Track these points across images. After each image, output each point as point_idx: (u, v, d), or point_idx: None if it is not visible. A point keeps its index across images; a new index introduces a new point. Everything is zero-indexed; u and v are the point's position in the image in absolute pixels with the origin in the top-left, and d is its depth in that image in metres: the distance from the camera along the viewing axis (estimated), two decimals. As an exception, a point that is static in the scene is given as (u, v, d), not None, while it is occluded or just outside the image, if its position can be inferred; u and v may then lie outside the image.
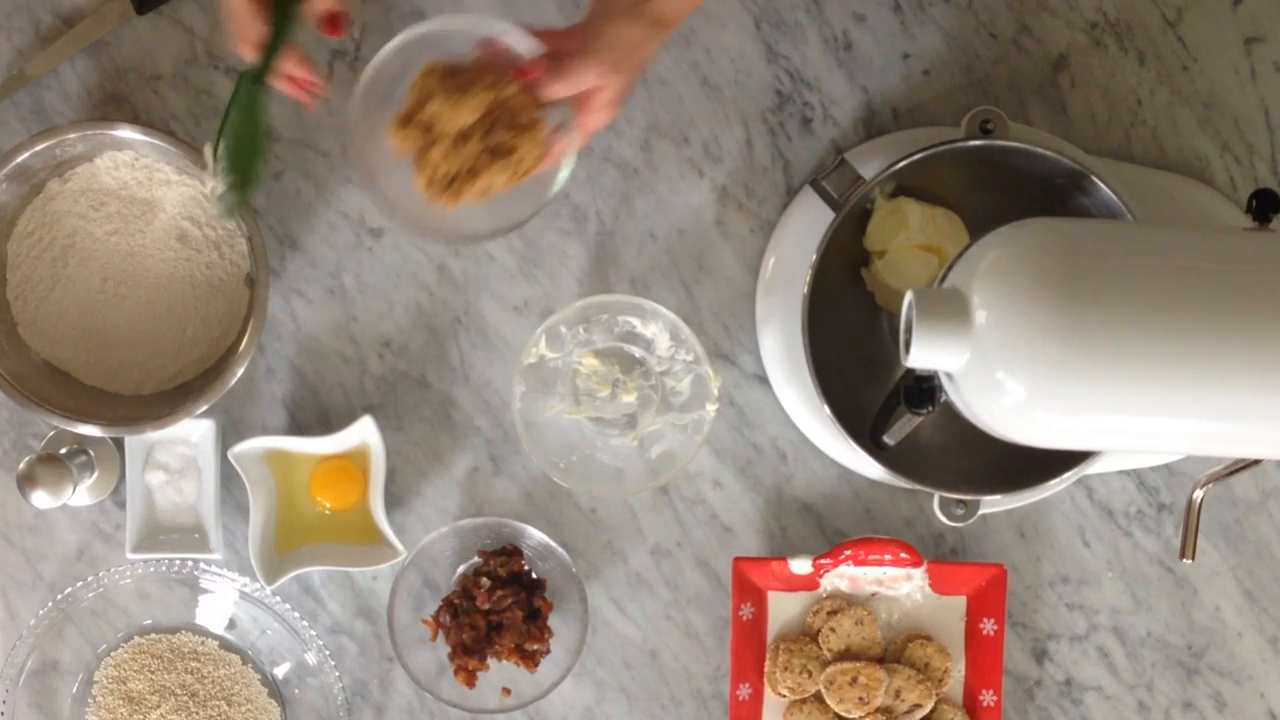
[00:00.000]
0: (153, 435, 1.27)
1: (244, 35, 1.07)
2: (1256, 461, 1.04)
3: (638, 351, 1.30)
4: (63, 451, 1.26)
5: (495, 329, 1.31)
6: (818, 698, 1.29)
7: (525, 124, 1.11)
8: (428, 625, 1.29)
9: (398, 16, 1.29)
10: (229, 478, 1.28)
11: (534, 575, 1.30)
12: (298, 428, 1.31)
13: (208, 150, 1.12)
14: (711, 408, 1.26)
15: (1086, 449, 1.18)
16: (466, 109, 1.10)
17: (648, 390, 1.29)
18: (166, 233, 1.27)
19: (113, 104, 1.29)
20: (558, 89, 1.08)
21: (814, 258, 1.20)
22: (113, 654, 1.31)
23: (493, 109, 1.10)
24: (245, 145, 1.13)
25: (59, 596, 1.28)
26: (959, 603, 1.30)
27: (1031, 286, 0.92)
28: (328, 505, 1.30)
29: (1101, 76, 1.30)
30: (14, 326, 1.27)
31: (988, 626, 1.29)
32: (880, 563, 1.27)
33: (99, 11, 1.28)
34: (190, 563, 1.28)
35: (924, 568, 1.28)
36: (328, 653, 1.29)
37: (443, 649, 1.29)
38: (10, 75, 1.29)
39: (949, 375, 0.98)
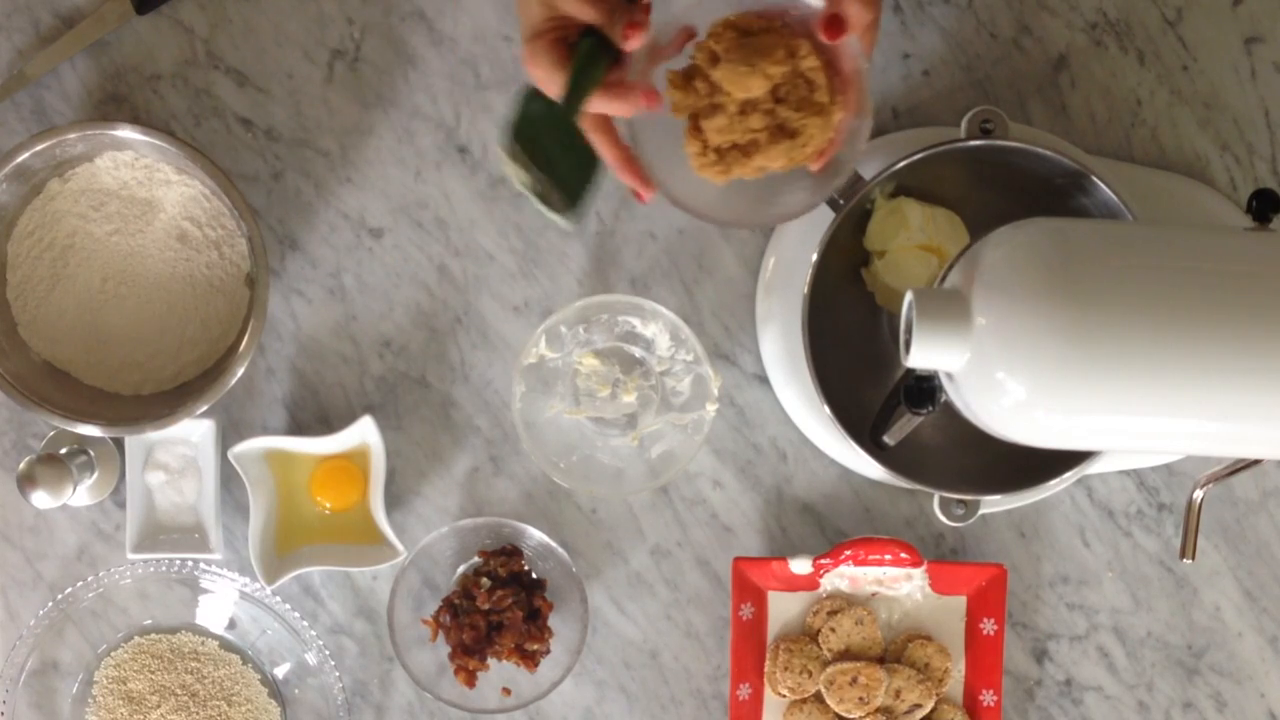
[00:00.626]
0: (153, 435, 1.27)
1: (547, 87, 1.03)
2: (1256, 461, 1.04)
3: (638, 351, 1.30)
4: (63, 451, 1.26)
5: (495, 329, 1.31)
6: (818, 698, 1.29)
7: (817, 105, 1.03)
8: (428, 625, 1.29)
9: (398, 17, 1.29)
10: (229, 478, 1.28)
11: (534, 575, 1.30)
12: (298, 428, 1.31)
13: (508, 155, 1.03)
14: (711, 408, 1.26)
15: (1086, 449, 1.17)
16: (757, 80, 1.01)
17: (648, 390, 1.29)
18: (166, 233, 1.27)
19: (113, 104, 1.29)
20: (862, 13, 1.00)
21: (814, 258, 1.20)
22: (113, 654, 1.31)
23: (782, 83, 1.02)
24: (572, 163, 1.04)
25: (59, 596, 1.28)
26: (959, 603, 1.30)
27: (1031, 286, 0.92)
28: (328, 505, 1.30)
29: (1101, 76, 1.30)
30: (14, 326, 1.27)
31: (988, 626, 1.29)
32: (880, 563, 1.27)
33: (99, 11, 1.28)
34: (190, 563, 1.28)
35: (924, 568, 1.28)
36: (328, 653, 1.29)
37: (443, 649, 1.29)
38: (10, 75, 1.29)
39: (949, 375, 0.98)
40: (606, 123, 1.06)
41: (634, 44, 1.01)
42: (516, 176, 1.03)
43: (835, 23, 1.01)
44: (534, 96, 1.03)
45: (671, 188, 1.07)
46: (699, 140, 1.05)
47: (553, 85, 1.03)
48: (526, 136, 1.02)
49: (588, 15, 1.01)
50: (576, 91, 1.01)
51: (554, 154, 1.03)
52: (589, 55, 1.02)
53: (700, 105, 1.04)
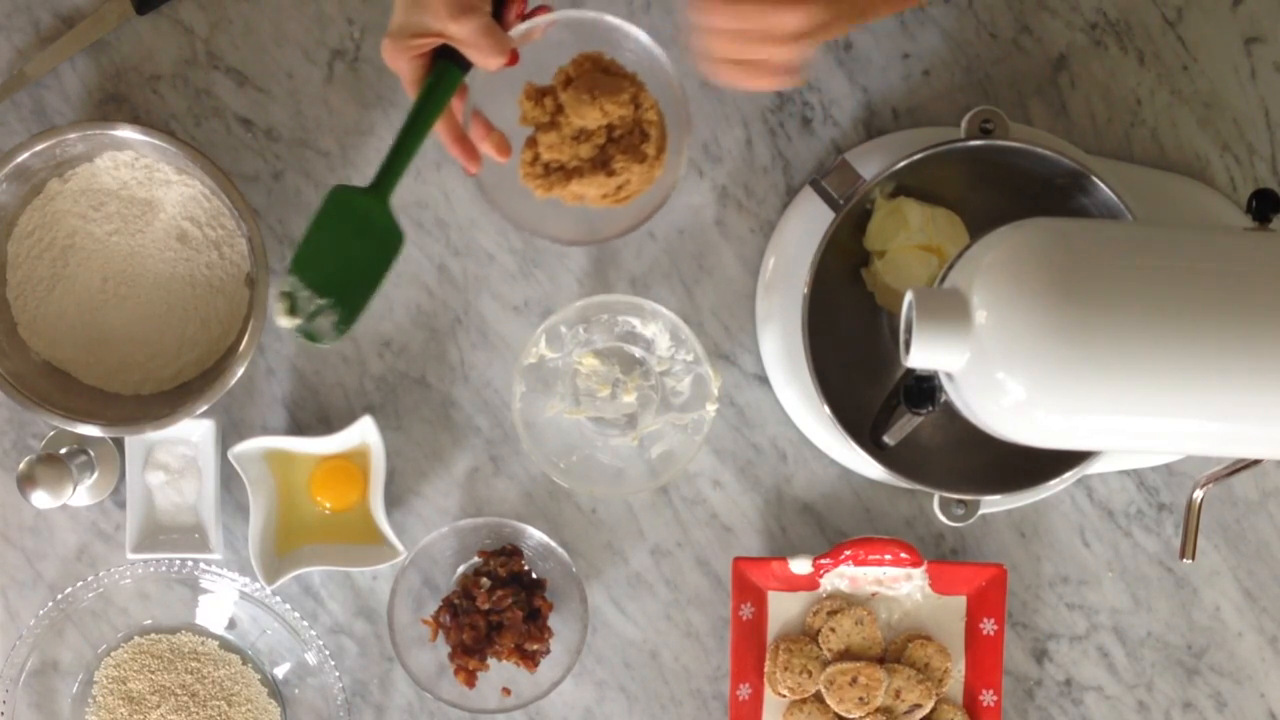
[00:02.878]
0: (153, 435, 1.27)
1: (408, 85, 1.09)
2: (1256, 461, 1.04)
3: (638, 351, 1.30)
4: (63, 451, 1.26)
5: (495, 329, 1.31)
6: (818, 698, 1.29)
7: (643, 154, 1.12)
8: (428, 625, 1.29)
9: (398, 16, 1.29)
10: (229, 478, 1.28)
11: (534, 575, 1.30)
12: (298, 428, 1.31)
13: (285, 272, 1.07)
14: (711, 408, 1.26)
15: (1086, 449, 1.17)
16: (595, 111, 1.10)
17: (648, 390, 1.29)
18: (166, 233, 1.27)
19: (113, 104, 1.29)
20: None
21: (814, 258, 1.20)
22: (113, 654, 1.31)
23: (618, 124, 1.10)
24: (357, 258, 1.08)
25: (59, 596, 1.28)
26: (959, 603, 1.30)
27: (1031, 286, 0.92)
28: (328, 505, 1.30)
29: (1101, 76, 1.30)
30: (14, 326, 1.27)
31: (988, 626, 1.29)
32: (880, 563, 1.27)
33: (99, 11, 1.28)
34: (190, 563, 1.28)
35: (924, 568, 1.28)
36: (328, 653, 1.29)
37: (443, 649, 1.29)
38: (10, 75, 1.29)
39: (949, 375, 0.98)
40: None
41: (499, 66, 1.07)
42: (286, 316, 1.08)
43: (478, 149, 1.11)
44: (339, 193, 1.08)
45: (494, 189, 1.15)
46: (532, 151, 1.14)
47: (409, 89, 1.09)
48: (316, 249, 1.07)
49: (462, 36, 1.05)
50: (422, 120, 1.07)
51: (348, 254, 1.08)
52: (444, 84, 1.08)
53: (542, 120, 1.13)
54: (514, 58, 1.07)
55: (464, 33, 1.05)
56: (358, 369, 1.31)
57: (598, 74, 1.11)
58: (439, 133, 1.11)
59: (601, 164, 1.12)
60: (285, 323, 1.08)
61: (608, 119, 1.12)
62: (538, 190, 1.14)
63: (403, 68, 1.08)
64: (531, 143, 1.14)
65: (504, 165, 1.14)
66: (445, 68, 1.07)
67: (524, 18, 1.09)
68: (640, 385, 1.29)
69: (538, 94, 1.14)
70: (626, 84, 1.13)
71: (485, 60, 1.06)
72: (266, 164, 1.30)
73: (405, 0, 1.06)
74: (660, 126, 1.14)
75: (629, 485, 1.28)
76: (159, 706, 1.30)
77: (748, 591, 1.29)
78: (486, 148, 1.12)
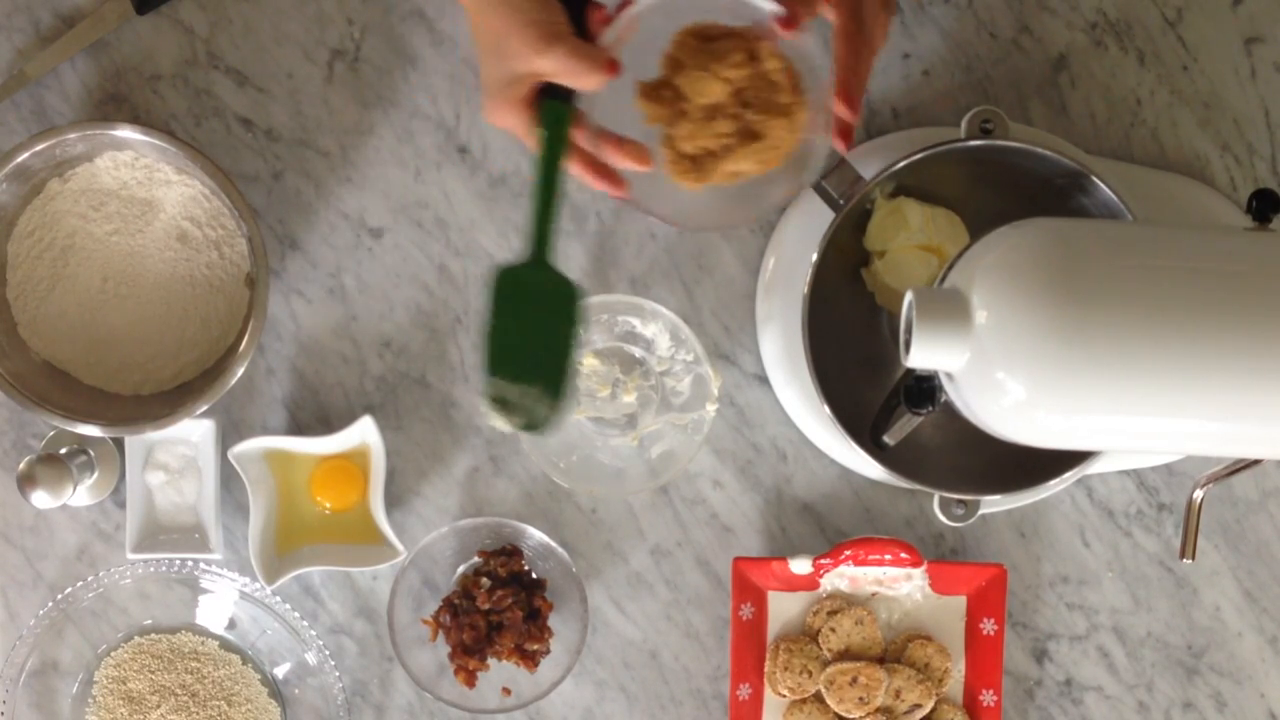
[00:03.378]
0: (153, 435, 1.27)
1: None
2: (1256, 461, 1.04)
3: (638, 351, 1.30)
4: (63, 451, 1.26)
5: (495, 329, 1.31)
6: (818, 698, 1.29)
7: (780, 106, 1.04)
8: (428, 625, 1.29)
9: (398, 17, 1.29)
10: (229, 478, 1.28)
11: (534, 575, 1.30)
12: (298, 428, 1.31)
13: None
14: (711, 408, 1.26)
15: (1086, 449, 1.17)
16: (715, 84, 1.03)
17: (648, 390, 1.29)
18: (166, 233, 1.27)
19: (113, 104, 1.29)
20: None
21: (814, 258, 1.20)
22: (113, 654, 1.31)
23: (745, 86, 1.04)
24: (543, 330, 1.04)
25: (59, 596, 1.28)
26: (959, 603, 1.30)
27: (1031, 286, 0.92)
28: (328, 505, 1.30)
29: (1101, 76, 1.30)
30: (14, 326, 1.27)
31: (988, 626, 1.29)
32: (880, 563, 1.27)
33: (99, 11, 1.28)
34: (190, 563, 1.28)
35: (924, 568, 1.28)
36: (328, 653, 1.29)
37: (443, 649, 1.29)
38: (10, 75, 1.29)
39: (949, 375, 0.98)
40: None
41: (600, 84, 1.03)
42: (503, 418, 1.05)
43: (789, 20, 1.03)
44: (502, 275, 1.05)
45: (649, 199, 1.09)
46: (672, 149, 1.07)
47: (527, 140, 1.05)
48: (504, 345, 1.05)
49: (552, 68, 1.01)
50: (551, 168, 1.03)
51: (533, 331, 1.05)
52: (557, 122, 1.03)
53: (668, 114, 1.06)
54: (613, 68, 1.02)
55: (553, 65, 1.01)
56: (358, 369, 1.31)
57: (703, 45, 1.04)
58: (574, 172, 1.05)
59: (745, 133, 1.05)
60: (504, 427, 1.05)
61: (731, 85, 1.04)
62: (692, 183, 1.07)
63: (511, 122, 1.04)
64: (668, 140, 1.07)
65: (650, 173, 1.07)
66: (551, 106, 1.03)
67: (607, 21, 1.04)
68: (640, 385, 1.29)
69: (653, 90, 1.06)
70: (734, 43, 1.05)
71: (584, 82, 1.02)
72: (266, 164, 1.30)
73: (486, 55, 1.03)
74: (787, 70, 1.05)
75: (629, 485, 1.28)
76: (159, 706, 1.30)
77: (748, 591, 1.29)
78: (625, 163, 1.06)
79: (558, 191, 1.04)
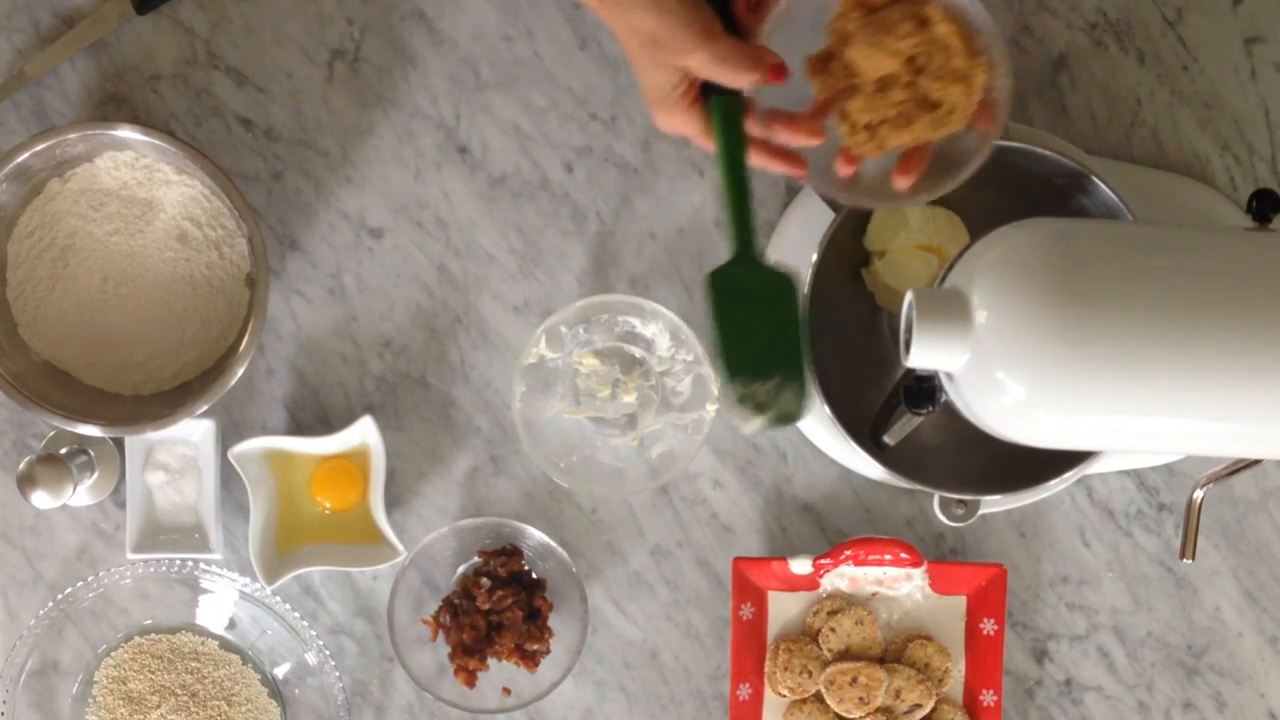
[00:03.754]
0: (153, 435, 1.27)
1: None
2: (1256, 461, 1.04)
3: (638, 351, 1.30)
4: (63, 451, 1.26)
5: (495, 329, 1.31)
6: (818, 698, 1.29)
7: (957, 71, 1.00)
8: (428, 625, 1.29)
9: (398, 17, 1.29)
10: (229, 478, 1.28)
11: (534, 575, 1.30)
12: (298, 428, 1.31)
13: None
14: (711, 408, 1.26)
15: (1086, 449, 1.17)
16: (885, 58, 1.00)
17: (648, 390, 1.29)
18: (166, 233, 1.27)
19: (113, 104, 1.29)
20: None
21: (814, 258, 1.20)
22: (113, 654, 1.31)
23: (918, 52, 1.00)
24: (769, 323, 1.04)
25: (59, 596, 1.28)
26: (959, 603, 1.30)
27: (1031, 286, 0.92)
28: (328, 505, 1.30)
29: (1101, 76, 1.30)
30: (14, 326, 1.27)
31: (988, 626, 1.29)
32: (880, 563, 1.27)
33: (99, 11, 1.28)
34: (190, 563, 1.28)
35: (924, 568, 1.28)
36: (328, 653, 1.29)
37: (443, 649, 1.29)
38: (10, 75, 1.29)
39: (949, 375, 0.98)
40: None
41: (755, 81, 1.01)
42: (755, 418, 1.04)
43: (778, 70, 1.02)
44: (717, 279, 1.04)
45: (826, 177, 1.07)
46: (847, 120, 1.04)
47: (703, 140, 1.04)
48: (734, 344, 1.03)
49: (705, 69, 1.00)
50: (733, 163, 1.02)
51: (760, 326, 1.04)
52: (728, 116, 1.02)
53: (840, 87, 1.03)
54: (775, 72, 1.01)
55: (705, 65, 1.00)
56: (358, 369, 1.31)
57: (869, 14, 1.00)
58: (755, 162, 1.04)
59: (922, 101, 1.01)
60: (757, 427, 1.04)
61: (901, 57, 1.00)
62: (873, 154, 1.04)
63: (684, 125, 1.04)
64: (843, 115, 1.03)
65: (825, 147, 1.04)
66: (721, 102, 1.02)
67: (754, 8, 1.02)
68: (640, 385, 1.29)
69: (820, 64, 1.03)
70: (904, 10, 0.99)
71: (739, 79, 1.00)
72: (266, 164, 1.30)
73: (642, 63, 1.02)
74: (958, 33, 1.00)
75: (629, 485, 1.28)
76: (159, 706, 1.30)
77: (748, 591, 1.29)
78: (801, 139, 1.03)
79: (747, 185, 1.02)
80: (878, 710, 1.28)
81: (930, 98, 1.01)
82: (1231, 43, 1.31)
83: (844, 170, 1.05)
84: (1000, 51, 1.01)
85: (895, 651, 1.30)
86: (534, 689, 1.28)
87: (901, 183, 1.04)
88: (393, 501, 1.31)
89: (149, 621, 1.31)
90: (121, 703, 1.30)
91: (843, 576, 1.29)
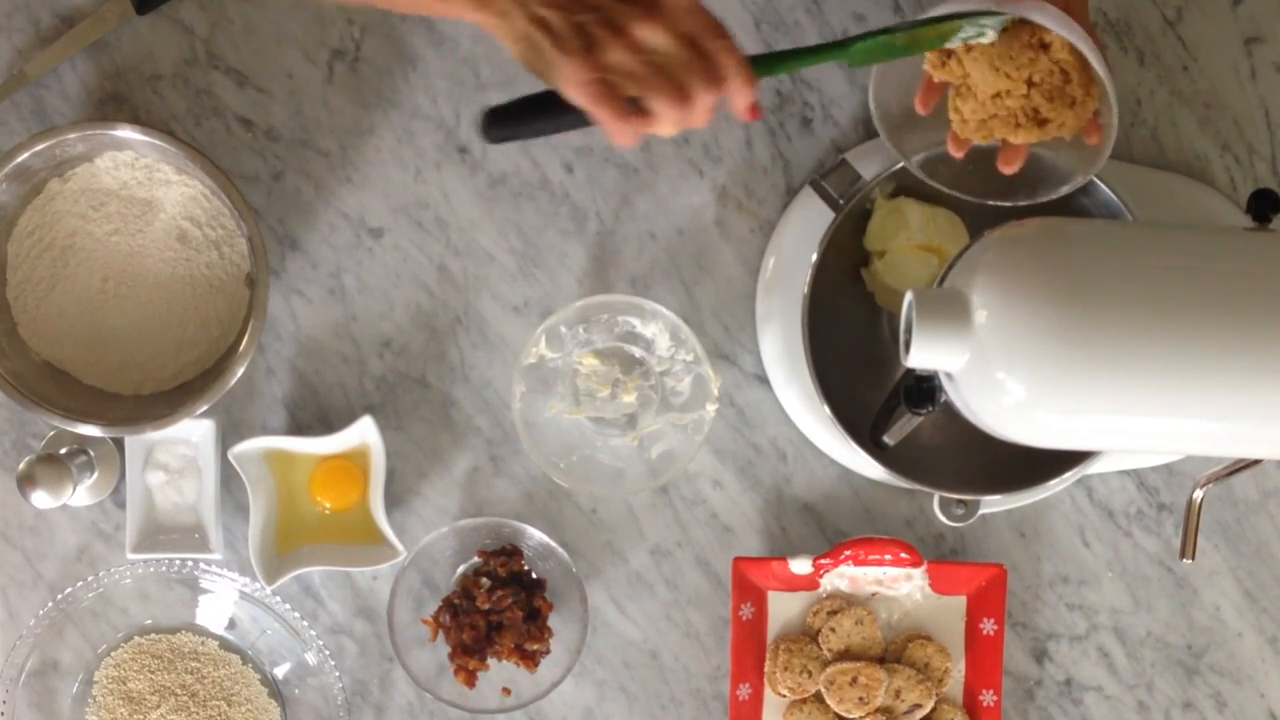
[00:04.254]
0: (153, 435, 1.27)
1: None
2: (1256, 461, 1.04)
3: (638, 351, 1.30)
4: (63, 451, 1.26)
5: (495, 329, 1.31)
6: (818, 698, 1.29)
7: (1070, 97, 1.04)
8: (428, 625, 1.29)
9: (398, 17, 1.29)
10: (229, 478, 1.28)
11: (534, 575, 1.30)
12: (298, 428, 1.31)
13: None
14: (711, 408, 1.26)
15: (1086, 449, 1.17)
16: (1001, 81, 1.04)
17: (648, 390, 1.29)
18: (166, 233, 1.27)
19: (113, 104, 1.29)
20: None
21: (814, 258, 1.20)
22: (113, 654, 1.31)
23: (1037, 73, 1.03)
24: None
25: (59, 596, 1.28)
26: (959, 603, 1.30)
27: (1031, 286, 0.92)
28: (328, 505, 1.30)
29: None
30: (14, 326, 1.27)
31: (988, 626, 1.29)
32: (880, 563, 1.27)
33: (99, 11, 1.28)
34: (190, 563, 1.28)
35: (924, 568, 1.28)
36: (328, 653, 1.29)
37: (443, 649, 1.29)
38: (10, 75, 1.29)
39: (949, 375, 0.98)
40: None
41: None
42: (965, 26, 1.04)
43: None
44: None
45: (932, 169, 1.12)
46: (958, 114, 1.09)
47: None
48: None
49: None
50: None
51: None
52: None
53: (955, 81, 1.07)
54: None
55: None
56: (358, 369, 1.31)
57: (998, 34, 1.03)
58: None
59: (1031, 116, 1.05)
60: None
61: (1021, 78, 1.04)
62: (980, 137, 1.08)
63: None
64: (955, 108, 1.08)
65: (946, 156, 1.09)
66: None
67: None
68: (640, 385, 1.29)
69: (943, 58, 1.07)
70: (1019, 37, 1.03)
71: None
72: (266, 164, 1.30)
73: None
74: (1077, 63, 1.04)
75: (629, 485, 1.28)
76: (159, 706, 1.30)
77: (748, 591, 1.29)
78: (942, 76, 1.08)
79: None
80: (878, 710, 1.28)
81: (1040, 116, 1.05)
82: (1231, 43, 1.31)
83: (955, 151, 1.10)
84: (1111, 92, 1.04)
85: (895, 651, 1.30)
86: (534, 689, 1.28)
87: (1006, 170, 1.10)
88: (393, 501, 1.31)
89: (149, 621, 1.31)
90: (121, 703, 1.30)
91: (843, 576, 1.29)
